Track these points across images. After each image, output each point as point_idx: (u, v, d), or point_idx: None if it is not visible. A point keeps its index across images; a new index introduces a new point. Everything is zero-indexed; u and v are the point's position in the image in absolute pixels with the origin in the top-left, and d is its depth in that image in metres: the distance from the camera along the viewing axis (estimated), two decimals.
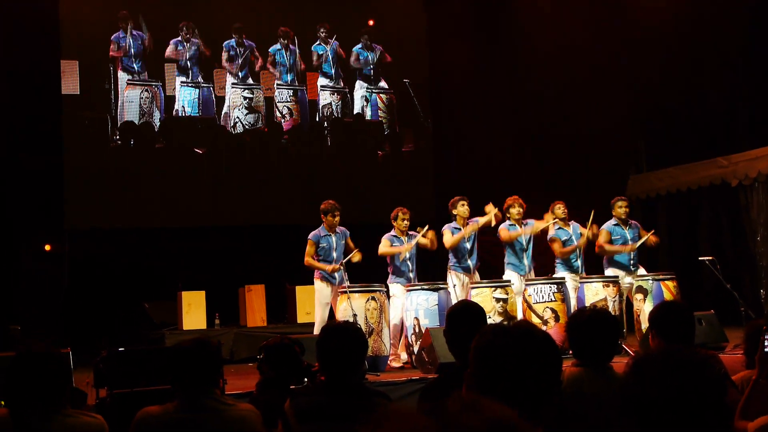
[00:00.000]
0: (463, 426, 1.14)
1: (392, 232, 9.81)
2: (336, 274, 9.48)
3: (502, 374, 2.12)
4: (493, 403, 1.20)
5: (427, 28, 14.90)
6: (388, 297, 9.62)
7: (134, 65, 13.13)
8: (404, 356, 9.61)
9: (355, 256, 9.56)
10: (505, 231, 10.12)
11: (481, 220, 10.01)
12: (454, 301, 9.61)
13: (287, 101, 14.15)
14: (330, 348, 3.71)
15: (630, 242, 10.25)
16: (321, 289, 9.67)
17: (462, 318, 4.20)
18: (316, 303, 9.75)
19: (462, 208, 9.94)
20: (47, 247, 11.96)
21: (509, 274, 10.14)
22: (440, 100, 14.73)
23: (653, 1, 13.55)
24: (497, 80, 14.24)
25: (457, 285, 9.91)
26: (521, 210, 10.13)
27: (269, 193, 13.68)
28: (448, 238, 9.93)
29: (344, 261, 9.51)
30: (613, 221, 10.36)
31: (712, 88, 13.50)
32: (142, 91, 13.17)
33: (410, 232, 9.86)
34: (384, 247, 9.76)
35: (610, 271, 10.31)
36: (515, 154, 14.18)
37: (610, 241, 10.28)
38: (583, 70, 14.13)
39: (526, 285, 9.87)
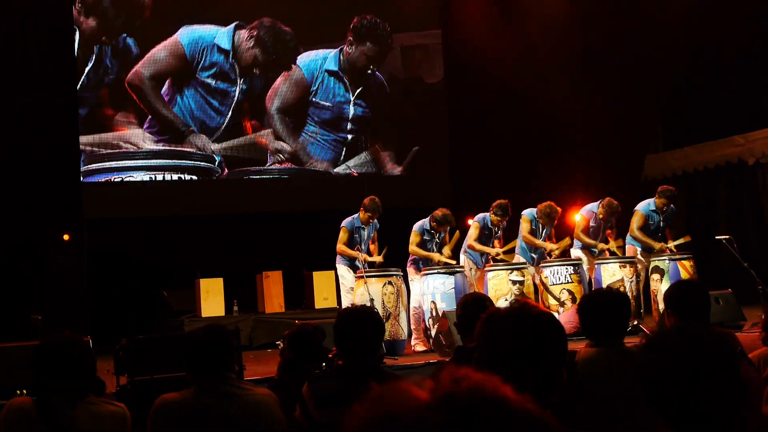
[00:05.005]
0: (455, 396, 1.18)
1: (426, 225, 9.78)
2: (358, 262, 9.53)
3: (506, 356, 2.15)
4: (485, 374, 1.24)
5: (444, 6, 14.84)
6: (406, 281, 9.65)
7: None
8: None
9: (377, 258, 9.61)
10: (527, 233, 10.11)
11: (500, 252, 9.97)
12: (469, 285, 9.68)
13: None
14: (347, 332, 3.73)
15: (660, 230, 10.18)
16: (344, 274, 9.72)
17: (470, 305, 4.30)
18: (342, 290, 9.79)
19: (494, 217, 9.89)
20: (66, 237, 12.02)
21: (518, 258, 10.17)
22: (455, 84, 14.68)
23: None
24: (512, 60, 14.17)
25: (472, 268, 9.97)
26: (549, 221, 10.03)
27: (285, 180, 13.70)
28: (472, 236, 9.97)
29: (362, 249, 9.55)
30: (652, 206, 10.26)
31: (728, 66, 13.43)
32: None
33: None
34: (416, 246, 9.77)
35: (631, 249, 10.29)
36: (531, 135, 14.14)
37: (645, 225, 10.20)
38: (601, 50, 14.07)
39: (543, 267, 9.89)
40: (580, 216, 10.35)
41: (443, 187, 14.17)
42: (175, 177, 13.02)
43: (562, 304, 9.61)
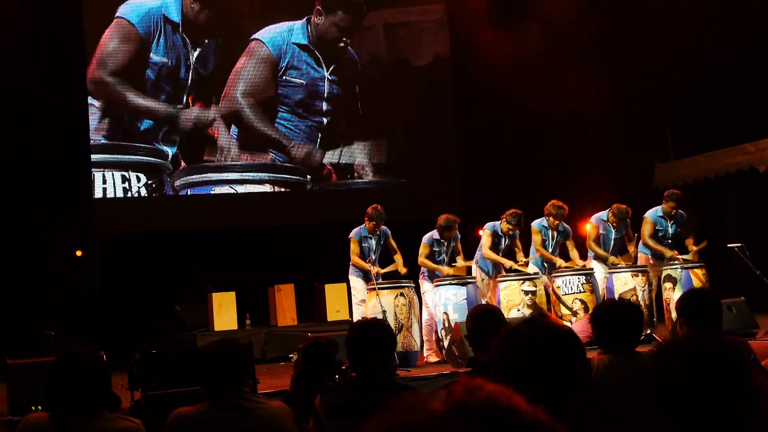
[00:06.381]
0: (468, 407, 1.21)
1: (435, 236, 9.78)
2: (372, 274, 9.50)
3: (522, 371, 2.16)
4: (494, 385, 1.27)
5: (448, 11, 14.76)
6: (418, 293, 9.65)
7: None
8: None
9: (401, 269, 9.59)
10: (540, 245, 10.08)
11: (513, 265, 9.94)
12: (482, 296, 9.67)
13: None
14: (358, 345, 3.75)
15: (670, 237, 10.12)
16: (356, 285, 9.72)
17: (481, 318, 4.33)
18: (354, 301, 9.79)
19: (506, 226, 9.86)
20: (78, 253, 12.07)
21: (532, 267, 10.14)
22: (462, 90, 14.68)
23: None
24: (520, 68, 14.17)
25: (484, 279, 9.97)
26: (556, 220, 10.01)
27: (296, 193, 13.71)
28: (486, 245, 9.95)
29: (373, 260, 9.55)
30: (660, 212, 10.23)
31: (738, 73, 13.41)
32: None
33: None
34: (425, 258, 9.75)
35: (643, 258, 10.24)
36: (540, 145, 14.14)
37: (655, 232, 10.16)
38: (608, 59, 14.06)
39: (555, 277, 9.87)
40: (590, 225, 10.34)
41: (450, 193, 14.09)
42: (181, 192, 13.04)
43: (574, 313, 9.59)
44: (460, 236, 9.94)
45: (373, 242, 9.66)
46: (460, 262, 9.81)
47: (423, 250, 9.75)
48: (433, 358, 9.44)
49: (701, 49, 13.54)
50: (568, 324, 9.35)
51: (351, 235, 9.70)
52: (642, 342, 6.75)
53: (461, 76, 14.64)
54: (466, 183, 14.40)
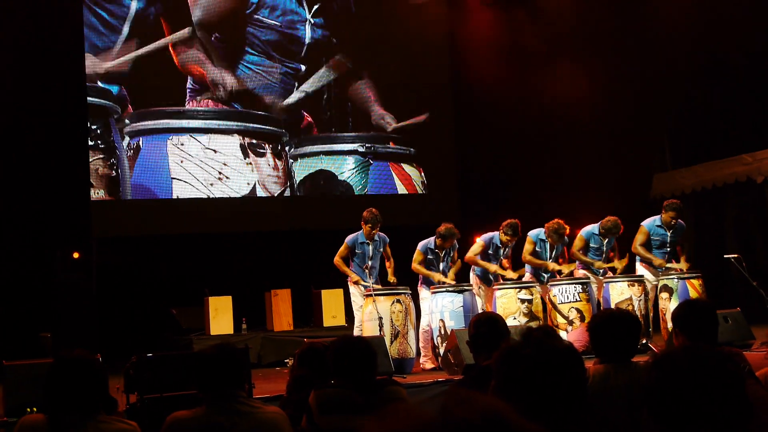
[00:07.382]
0: (459, 418, 1.22)
1: (431, 244, 9.78)
2: (370, 279, 9.48)
3: (521, 383, 2.17)
4: (488, 396, 1.29)
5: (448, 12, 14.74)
6: (416, 300, 9.66)
7: None
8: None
9: (390, 277, 9.59)
10: (528, 254, 10.08)
11: (506, 273, 9.94)
12: (478, 303, 9.68)
13: None
14: (341, 363, 3.84)
15: (668, 245, 10.13)
16: (355, 292, 9.71)
17: (483, 325, 4.38)
18: (354, 307, 9.78)
19: (504, 237, 9.86)
20: (75, 255, 12.06)
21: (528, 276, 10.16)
22: (462, 101, 14.71)
23: None
24: (520, 76, 14.20)
25: (481, 286, 9.98)
26: (555, 243, 10.02)
27: (292, 197, 13.69)
28: (474, 251, 9.94)
29: (370, 266, 9.54)
30: (658, 221, 10.23)
31: (736, 84, 13.44)
32: None
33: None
34: (418, 264, 9.74)
35: (640, 269, 10.23)
36: (538, 153, 14.16)
37: (648, 241, 10.14)
38: (607, 67, 14.09)
39: (551, 285, 9.87)
40: (579, 237, 10.33)
41: (449, 200, 14.09)
42: (183, 195, 13.01)
43: (570, 322, 9.60)
44: (458, 246, 9.92)
45: (371, 248, 9.64)
46: (451, 275, 9.77)
47: (417, 256, 9.76)
48: (429, 365, 9.45)
49: (700, 59, 13.58)
50: (564, 333, 9.38)
51: (346, 239, 9.69)
52: (638, 352, 6.78)
53: (459, 77, 14.65)
54: (465, 189, 14.42)
